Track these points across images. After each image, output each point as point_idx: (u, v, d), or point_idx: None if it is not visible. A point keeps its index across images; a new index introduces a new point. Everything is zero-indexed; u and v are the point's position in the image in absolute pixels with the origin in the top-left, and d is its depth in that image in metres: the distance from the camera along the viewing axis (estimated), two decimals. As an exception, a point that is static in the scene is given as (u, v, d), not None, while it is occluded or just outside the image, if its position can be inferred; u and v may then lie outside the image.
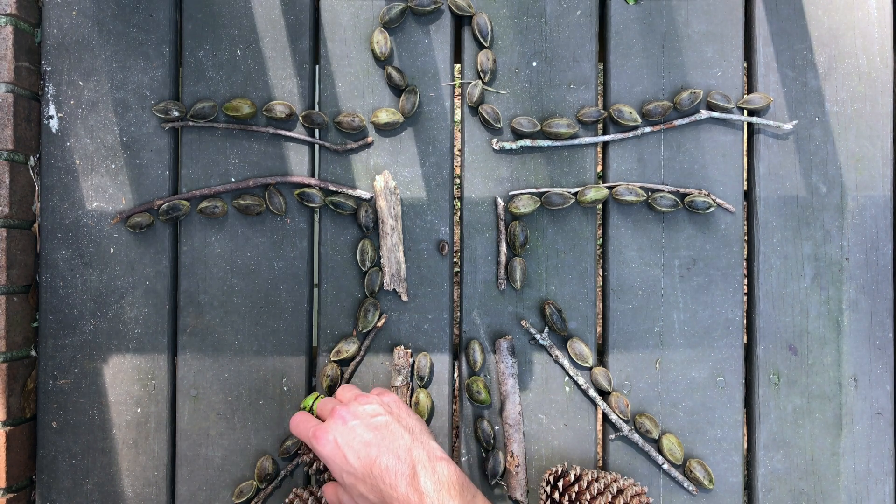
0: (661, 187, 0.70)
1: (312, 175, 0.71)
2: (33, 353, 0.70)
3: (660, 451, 0.69)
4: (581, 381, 0.69)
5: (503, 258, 0.70)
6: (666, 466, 0.69)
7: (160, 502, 0.70)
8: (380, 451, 0.55)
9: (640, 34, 0.70)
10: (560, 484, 0.65)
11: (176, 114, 0.69)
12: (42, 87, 0.70)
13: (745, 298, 0.72)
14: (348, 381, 0.69)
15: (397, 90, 0.70)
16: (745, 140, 0.72)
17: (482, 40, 0.70)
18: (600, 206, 0.72)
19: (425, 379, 0.70)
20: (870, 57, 0.70)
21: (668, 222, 0.70)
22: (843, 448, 0.70)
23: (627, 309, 0.70)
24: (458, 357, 0.72)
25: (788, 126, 0.69)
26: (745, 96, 0.70)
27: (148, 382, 0.70)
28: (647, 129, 0.70)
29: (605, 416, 0.70)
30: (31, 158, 0.70)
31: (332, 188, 0.70)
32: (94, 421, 0.70)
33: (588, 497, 0.63)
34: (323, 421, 0.61)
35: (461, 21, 0.71)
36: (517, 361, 0.69)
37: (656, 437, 0.69)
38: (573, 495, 0.63)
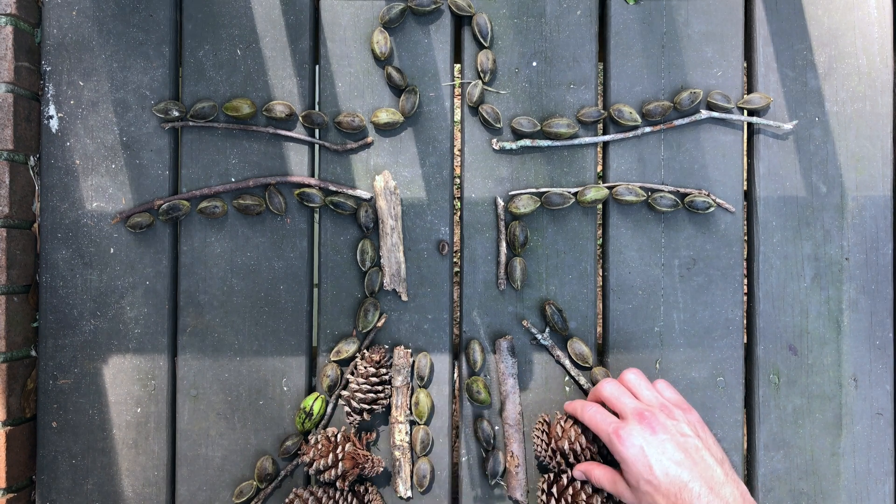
0: (661, 187, 0.70)
1: (312, 175, 0.71)
2: (33, 353, 0.70)
3: (660, 451, 0.69)
4: (582, 381, 0.69)
5: (503, 258, 0.70)
6: (666, 466, 0.69)
7: (160, 502, 0.70)
8: (692, 476, 0.56)
9: (640, 34, 0.70)
10: (555, 490, 0.65)
11: (176, 114, 0.69)
12: (42, 87, 0.70)
13: (745, 298, 0.72)
14: (347, 382, 0.69)
15: (397, 90, 0.70)
16: (745, 140, 0.72)
17: (482, 40, 0.70)
18: (600, 206, 0.72)
19: (425, 379, 0.70)
20: (870, 57, 0.70)
21: (668, 222, 0.70)
22: (843, 448, 0.70)
23: (627, 309, 0.70)
24: (458, 357, 0.72)
25: (788, 126, 0.69)
26: (745, 96, 0.70)
27: (148, 382, 0.70)
28: (647, 129, 0.70)
29: (605, 416, 0.70)
30: (31, 158, 0.70)
31: (332, 188, 0.70)
32: (94, 421, 0.70)
33: (584, 496, 0.64)
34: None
35: (461, 21, 0.71)
36: (517, 361, 0.69)
37: (656, 437, 0.69)
38: (569, 498, 0.64)
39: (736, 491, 0.56)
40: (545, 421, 0.68)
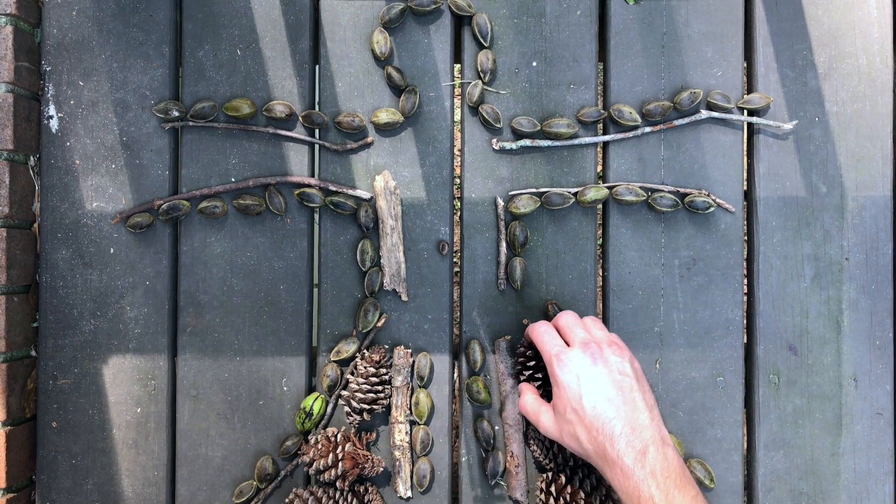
0: (661, 187, 0.70)
1: (312, 175, 0.71)
2: (33, 353, 0.70)
3: (660, 451, 0.69)
4: (581, 381, 0.69)
5: (503, 258, 0.70)
6: (666, 466, 0.69)
7: (160, 502, 0.70)
8: (618, 414, 0.56)
9: (640, 34, 0.70)
10: (553, 489, 0.65)
11: (176, 114, 0.69)
12: (42, 87, 0.70)
13: (745, 298, 0.72)
14: (347, 382, 0.69)
15: (397, 90, 0.70)
16: (745, 140, 0.72)
17: (482, 40, 0.70)
18: (600, 206, 0.72)
19: (425, 379, 0.70)
20: (870, 57, 0.70)
21: (668, 222, 0.70)
22: (843, 448, 0.70)
23: (627, 309, 0.70)
24: (458, 357, 0.72)
25: (788, 126, 0.69)
26: (745, 96, 0.70)
27: (148, 382, 0.70)
28: (647, 129, 0.70)
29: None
30: (31, 158, 0.70)
31: (332, 188, 0.70)
32: (94, 421, 0.70)
33: (582, 495, 0.64)
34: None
35: (461, 21, 0.71)
36: (516, 361, 0.69)
37: (656, 437, 0.69)
38: (567, 497, 0.64)
39: (656, 435, 0.56)
40: None
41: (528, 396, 0.64)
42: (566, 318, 0.64)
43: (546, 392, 0.66)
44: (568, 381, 0.58)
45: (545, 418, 0.61)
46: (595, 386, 0.57)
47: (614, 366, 0.59)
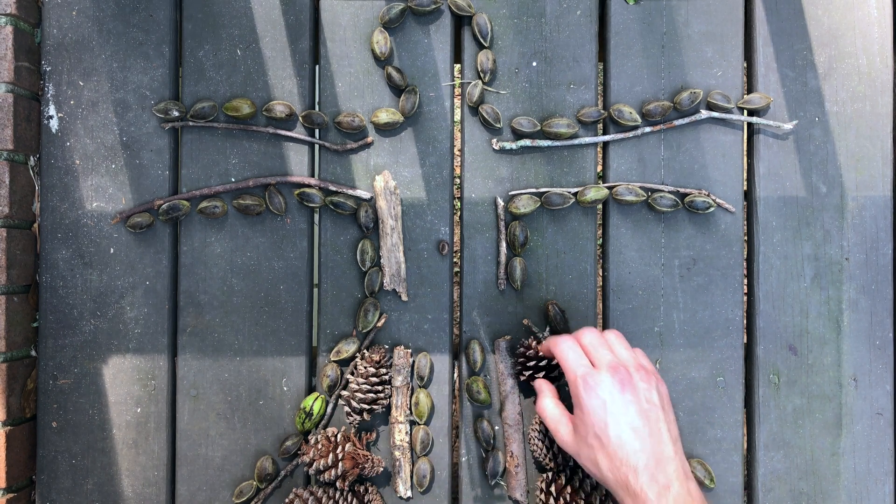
0: (661, 187, 0.70)
1: (312, 175, 0.71)
2: (33, 353, 0.70)
3: (660, 451, 0.69)
4: (581, 381, 0.69)
5: (503, 258, 0.70)
6: (666, 466, 0.69)
7: (160, 502, 0.70)
8: (643, 447, 0.55)
9: (640, 34, 0.70)
10: (553, 489, 0.65)
11: (176, 114, 0.69)
12: (42, 87, 0.70)
13: (745, 298, 0.72)
14: (347, 382, 0.69)
15: (397, 90, 0.70)
16: (745, 140, 0.72)
17: (482, 40, 0.70)
18: (600, 206, 0.72)
19: (425, 379, 0.70)
20: (870, 57, 0.70)
21: (668, 222, 0.70)
22: (843, 448, 0.70)
23: (627, 309, 0.70)
24: (458, 357, 0.72)
25: (788, 126, 0.69)
26: (745, 96, 0.70)
27: (148, 382, 0.70)
28: (647, 129, 0.70)
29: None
30: (31, 158, 0.70)
31: (332, 188, 0.70)
32: (94, 421, 0.70)
33: (583, 495, 0.64)
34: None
35: (461, 21, 0.71)
36: (517, 361, 0.69)
37: (656, 437, 0.69)
38: (567, 497, 0.64)
39: (680, 469, 0.55)
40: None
41: (549, 402, 0.63)
42: (590, 336, 0.61)
43: None
44: (594, 407, 0.57)
45: (564, 430, 0.60)
46: (622, 415, 0.56)
47: (642, 394, 0.57)
